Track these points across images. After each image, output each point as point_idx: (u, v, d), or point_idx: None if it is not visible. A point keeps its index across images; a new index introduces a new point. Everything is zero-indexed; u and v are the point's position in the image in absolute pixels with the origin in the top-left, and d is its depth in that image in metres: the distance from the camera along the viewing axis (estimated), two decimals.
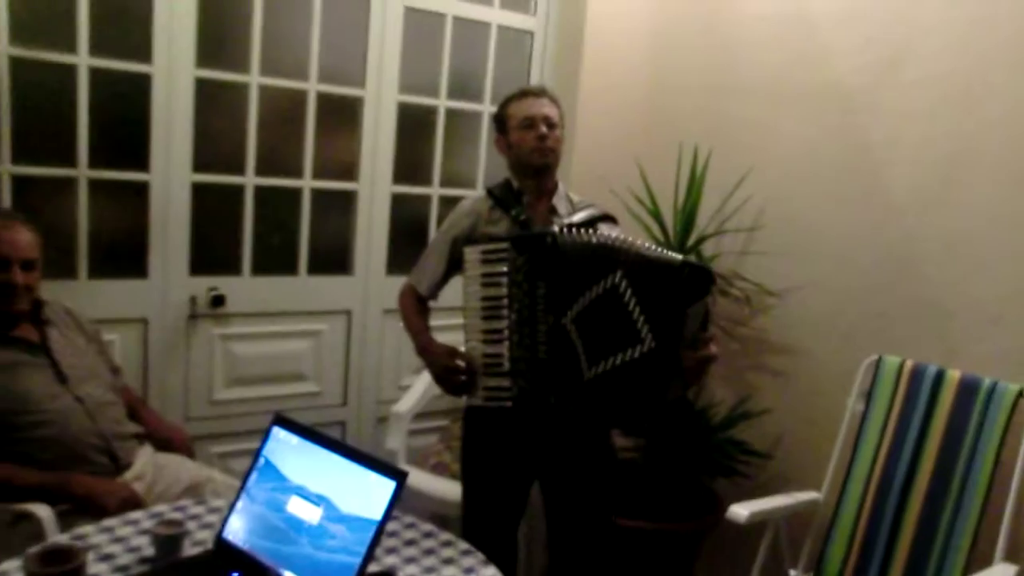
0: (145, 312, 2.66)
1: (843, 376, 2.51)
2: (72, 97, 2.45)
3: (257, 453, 1.61)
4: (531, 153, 2.17)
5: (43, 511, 1.91)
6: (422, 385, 3.01)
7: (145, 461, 2.22)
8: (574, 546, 2.30)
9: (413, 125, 3.10)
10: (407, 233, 3.14)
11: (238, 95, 2.72)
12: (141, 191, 2.60)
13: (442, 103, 3.14)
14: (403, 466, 2.80)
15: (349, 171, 3.00)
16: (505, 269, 1.97)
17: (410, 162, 3.11)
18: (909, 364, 2.33)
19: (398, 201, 3.10)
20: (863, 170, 2.61)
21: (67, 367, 2.14)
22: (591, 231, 2.00)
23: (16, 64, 2.35)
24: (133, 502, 1.99)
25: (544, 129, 2.16)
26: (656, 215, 2.97)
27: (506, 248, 1.98)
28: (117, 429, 2.18)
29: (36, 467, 2.00)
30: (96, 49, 2.45)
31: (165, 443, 2.34)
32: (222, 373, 2.84)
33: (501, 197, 2.23)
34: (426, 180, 3.17)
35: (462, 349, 2.09)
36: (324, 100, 2.88)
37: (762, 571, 2.37)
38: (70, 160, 2.48)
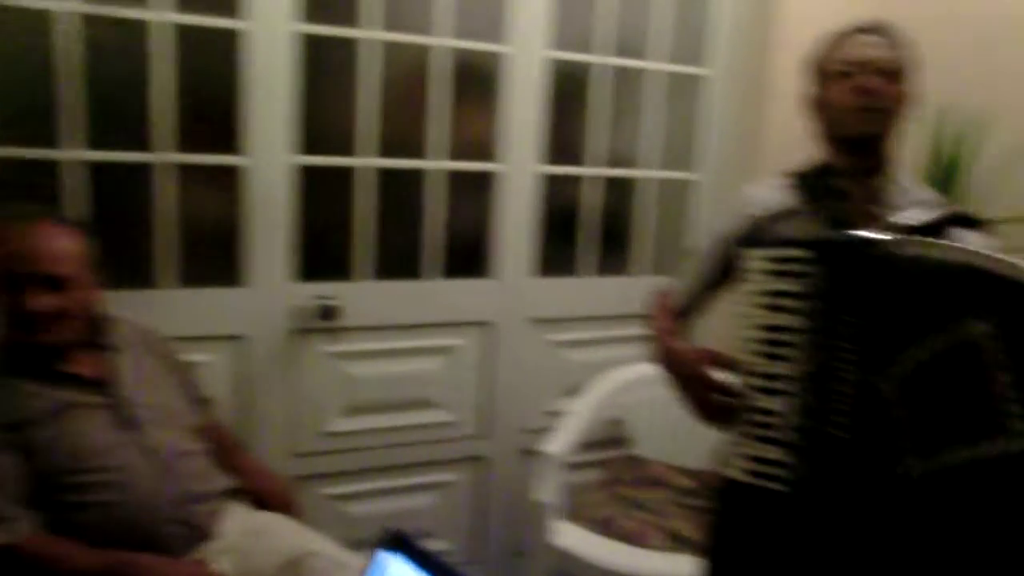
0: (240, 328, 2.18)
1: None
2: (148, 63, 1.97)
3: None
4: (845, 114, 1.50)
5: None
6: (578, 416, 2.40)
7: (236, 526, 1.73)
8: None
9: (567, 89, 2.48)
10: (559, 226, 2.54)
11: (348, 55, 2.19)
12: (232, 178, 2.11)
13: (605, 60, 2.51)
14: (559, 523, 2.21)
15: (485, 149, 2.41)
16: (800, 289, 1.33)
17: (564, 136, 2.50)
18: None
19: (549, 185, 2.50)
20: None
21: (138, 406, 1.67)
22: (944, 242, 1.32)
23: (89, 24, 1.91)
24: None
25: (864, 80, 1.49)
26: None
27: (803, 257, 1.34)
28: (197, 487, 1.70)
29: (93, 541, 1.56)
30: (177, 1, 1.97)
31: (260, 498, 1.86)
32: (336, 399, 2.33)
33: (807, 182, 1.58)
34: (585, 159, 2.56)
35: None
36: (455, 59, 2.31)
37: None
38: (144, 142, 2.01)
